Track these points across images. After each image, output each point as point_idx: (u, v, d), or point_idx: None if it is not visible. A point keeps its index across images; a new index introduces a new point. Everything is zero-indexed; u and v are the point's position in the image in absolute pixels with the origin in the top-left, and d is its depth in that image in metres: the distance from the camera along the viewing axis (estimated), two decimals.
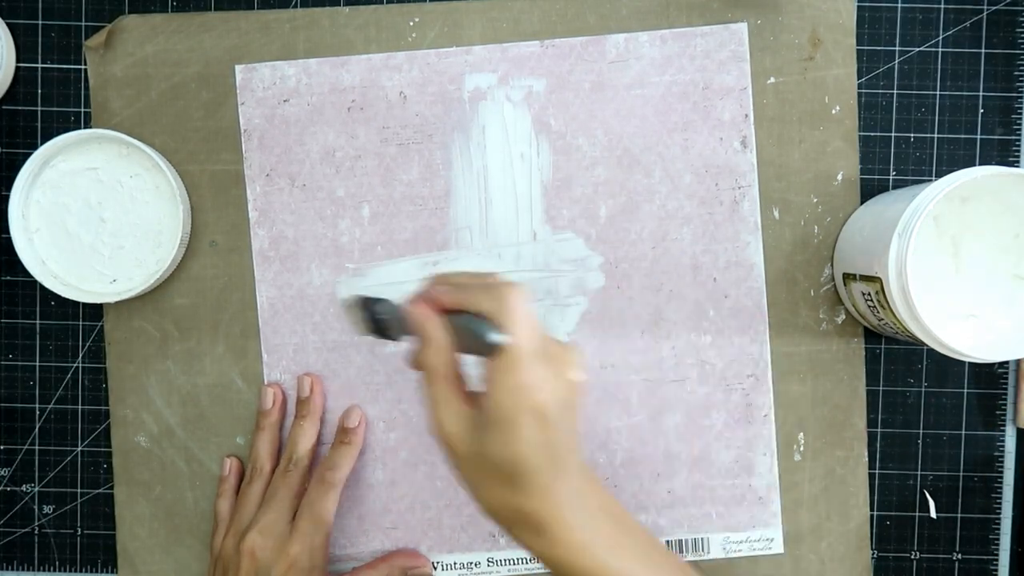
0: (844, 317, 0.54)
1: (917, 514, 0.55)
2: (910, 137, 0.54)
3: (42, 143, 0.52)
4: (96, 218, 0.53)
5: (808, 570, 0.54)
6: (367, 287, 0.53)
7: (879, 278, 0.46)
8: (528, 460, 0.38)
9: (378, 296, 0.45)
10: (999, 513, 0.55)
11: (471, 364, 0.41)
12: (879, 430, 0.55)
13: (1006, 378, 0.55)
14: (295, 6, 0.54)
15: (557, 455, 0.39)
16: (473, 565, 0.55)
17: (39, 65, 0.54)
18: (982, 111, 0.54)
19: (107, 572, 0.55)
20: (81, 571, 0.55)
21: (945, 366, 0.55)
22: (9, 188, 0.52)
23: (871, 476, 0.55)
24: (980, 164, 0.54)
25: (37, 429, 0.55)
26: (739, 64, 0.54)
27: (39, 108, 0.54)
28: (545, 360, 0.39)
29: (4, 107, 0.54)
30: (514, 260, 0.54)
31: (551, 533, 0.39)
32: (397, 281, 0.54)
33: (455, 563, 0.55)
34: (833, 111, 0.54)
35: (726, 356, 0.54)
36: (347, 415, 0.53)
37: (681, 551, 0.55)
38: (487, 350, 0.39)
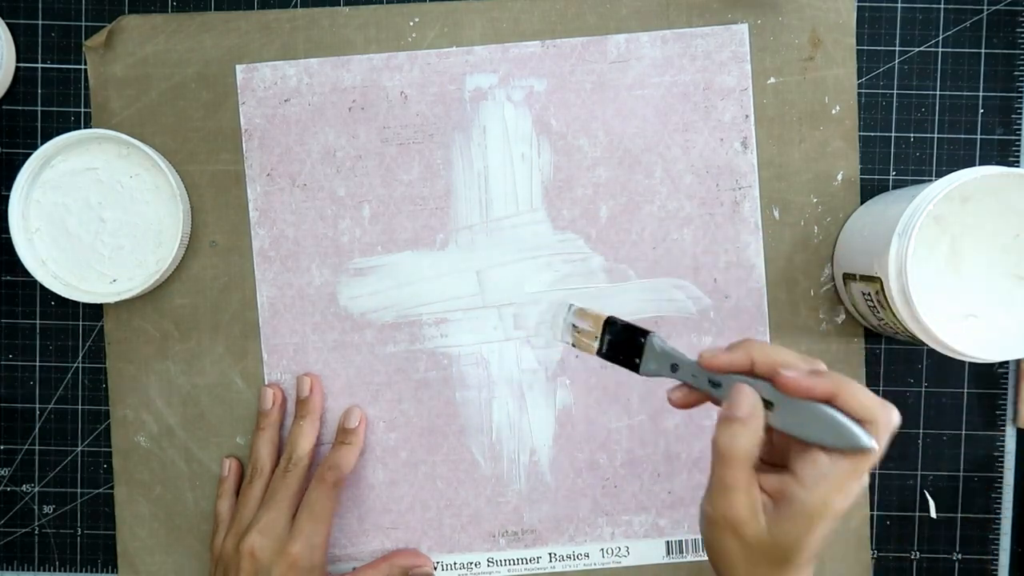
0: (844, 317, 0.54)
1: (917, 514, 0.55)
2: (910, 137, 0.54)
3: (42, 143, 0.52)
4: (96, 218, 0.53)
5: None
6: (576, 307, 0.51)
7: (879, 278, 0.46)
8: (812, 551, 0.40)
9: (637, 326, 0.46)
10: (999, 513, 0.55)
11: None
12: None
13: (1006, 378, 0.55)
14: (295, 6, 0.54)
15: (821, 549, 0.40)
16: (473, 565, 0.55)
17: (39, 65, 0.54)
18: (982, 111, 0.54)
19: (107, 572, 0.55)
20: (81, 571, 0.55)
21: (945, 366, 0.55)
22: (9, 188, 0.52)
23: (871, 476, 0.55)
24: (980, 164, 0.54)
25: (37, 429, 0.55)
26: (740, 65, 0.54)
27: (39, 108, 0.54)
28: None
29: (4, 107, 0.54)
30: (514, 263, 0.54)
31: None
32: (400, 283, 0.54)
33: (455, 563, 0.55)
34: (833, 111, 0.54)
35: None
36: (347, 415, 0.53)
37: (681, 551, 0.55)
38: (835, 446, 0.39)
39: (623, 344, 0.46)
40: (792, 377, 0.40)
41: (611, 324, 0.46)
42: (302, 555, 0.49)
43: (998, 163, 0.54)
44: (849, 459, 0.39)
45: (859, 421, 0.39)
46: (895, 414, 0.40)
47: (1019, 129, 0.54)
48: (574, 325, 0.47)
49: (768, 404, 0.41)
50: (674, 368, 0.44)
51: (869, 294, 0.48)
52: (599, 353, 0.46)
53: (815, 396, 0.39)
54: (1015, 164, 0.54)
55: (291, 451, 0.52)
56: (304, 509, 0.50)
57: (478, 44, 0.54)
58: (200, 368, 0.54)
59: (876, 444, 0.39)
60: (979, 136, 0.54)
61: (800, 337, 0.54)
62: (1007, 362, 0.55)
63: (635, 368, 0.45)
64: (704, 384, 0.43)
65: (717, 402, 0.43)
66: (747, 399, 0.40)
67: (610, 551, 0.55)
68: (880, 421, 0.39)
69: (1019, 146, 0.54)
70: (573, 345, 0.47)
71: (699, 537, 0.54)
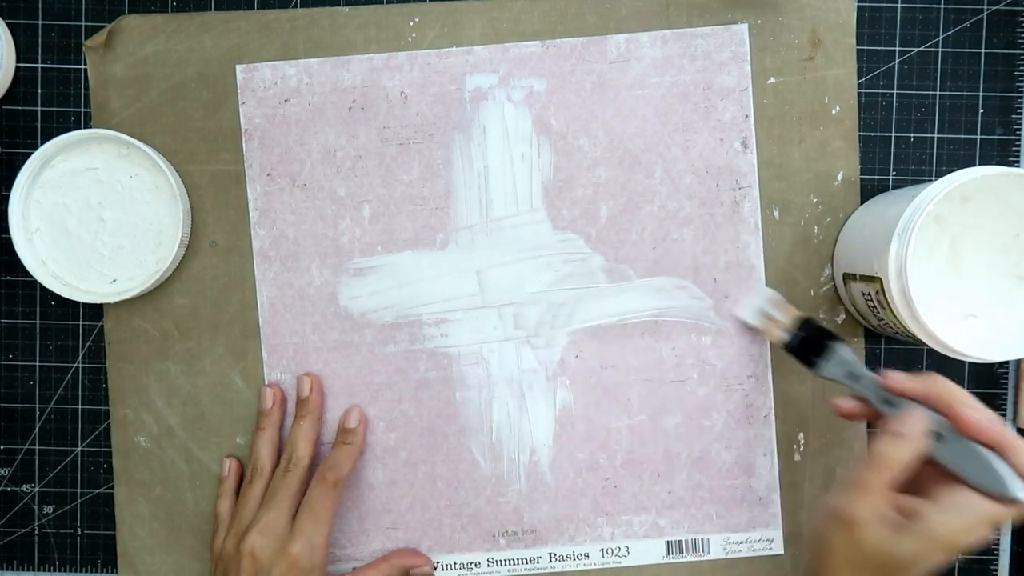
0: (844, 317, 0.54)
1: None
2: (910, 137, 0.54)
3: (42, 143, 0.52)
4: (96, 218, 0.53)
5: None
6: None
7: (879, 278, 0.46)
8: (919, 572, 0.41)
9: (829, 330, 0.50)
10: None
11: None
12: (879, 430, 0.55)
13: (1006, 378, 0.55)
14: (295, 6, 0.54)
15: None
16: (473, 565, 0.55)
17: (39, 65, 0.54)
18: (982, 111, 0.54)
19: (107, 572, 0.55)
20: (81, 571, 0.55)
21: (945, 366, 0.55)
22: (9, 188, 0.52)
23: None
24: (980, 164, 0.54)
25: (37, 429, 0.55)
26: (740, 65, 0.54)
27: (39, 108, 0.54)
28: None
29: (4, 107, 0.54)
30: (514, 263, 0.54)
31: None
32: (403, 282, 0.54)
33: (455, 563, 0.55)
34: (833, 111, 0.54)
35: (726, 357, 0.54)
36: (347, 416, 0.53)
37: (681, 552, 0.55)
38: (988, 489, 0.41)
39: (811, 343, 0.50)
40: (971, 416, 0.42)
41: (806, 322, 0.51)
42: (302, 555, 0.49)
43: (998, 163, 0.54)
44: (994, 503, 0.41)
45: (1021, 476, 0.41)
46: None
47: (1019, 129, 0.54)
48: (767, 312, 0.51)
49: (937, 436, 0.43)
50: (851, 377, 0.48)
51: (869, 294, 0.48)
52: (786, 345, 0.50)
53: (985, 439, 0.42)
54: (1015, 164, 0.54)
55: (291, 451, 0.52)
56: (304, 509, 0.50)
57: (478, 44, 0.54)
58: (200, 368, 0.54)
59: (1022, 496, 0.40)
60: (979, 136, 0.54)
61: None
62: (1007, 362, 0.55)
63: (812, 367, 0.50)
64: (878, 401, 0.46)
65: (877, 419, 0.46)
66: (920, 421, 0.43)
67: (610, 551, 0.55)
68: None
69: (1019, 146, 0.54)
70: (760, 329, 0.51)
71: (699, 537, 0.54)
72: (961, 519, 0.41)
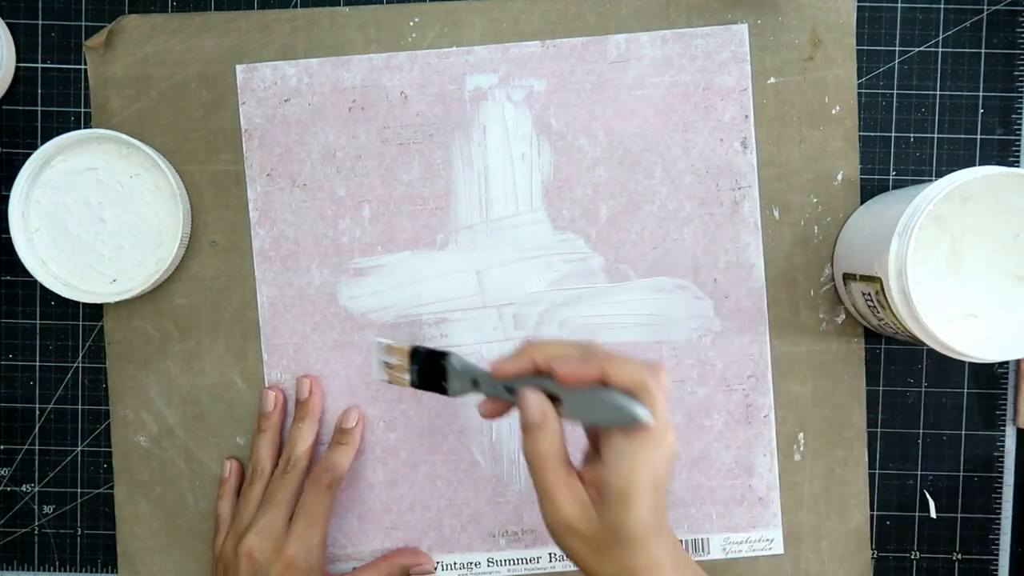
0: (844, 317, 0.54)
1: (917, 514, 0.55)
2: (910, 137, 0.54)
3: (42, 143, 0.52)
4: (96, 218, 0.53)
5: (808, 570, 0.54)
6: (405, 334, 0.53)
7: (879, 278, 0.46)
8: (646, 525, 0.39)
9: (438, 349, 0.46)
10: (999, 513, 0.55)
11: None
12: (879, 430, 0.55)
13: (1006, 378, 0.55)
14: (295, 6, 0.54)
15: (662, 518, 0.40)
16: (473, 565, 0.55)
17: (39, 65, 0.54)
18: (982, 111, 0.54)
19: (107, 572, 0.55)
20: (81, 571, 0.55)
21: (945, 366, 0.55)
22: (9, 188, 0.52)
23: (871, 476, 0.55)
24: (980, 164, 0.54)
25: (37, 429, 0.55)
26: (739, 65, 0.54)
27: (39, 108, 0.54)
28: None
29: (4, 107, 0.54)
30: (514, 263, 0.54)
31: None
32: (401, 282, 0.54)
33: (455, 563, 0.55)
34: (833, 111, 0.54)
35: (726, 357, 0.54)
36: (345, 416, 0.53)
37: None
38: (619, 424, 0.40)
39: (431, 371, 0.46)
40: (563, 368, 0.40)
41: (416, 353, 0.47)
42: (299, 557, 0.49)
43: (998, 163, 0.54)
44: (636, 433, 0.39)
45: (632, 392, 0.39)
46: (662, 374, 0.40)
47: (1019, 129, 0.54)
48: (386, 362, 0.48)
49: (557, 400, 0.41)
50: (475, 384, 0.45)
51: (869, 294, 0.48)
52: (413, 385, 0.47)
53: (588, 381, 0.40)
54: (1015, 164, 0.54)
55: (289, 453, 0.52)
56: (300, 511, 0.50)
57: (478, 44, 0.54)
58: (200, 368, 0.54)
59: (648, 413, 0.39)
60: (979, 136, 0.54)
61: (800, 337, 0.54)
62: (1007, 362, 0.55)
63: (446, 392, 0.46)
64: (503, 393, 0.43)
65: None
66: (534, 403, 0.41)
67: None
68: (650, 386, 0.39)
69: (1019, 146, 0.54)
70: (389, 382, 0.48)
71: (699, 537, 0.54)
72: (626, 464, 0.39)
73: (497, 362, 0.43)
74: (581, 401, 0.41)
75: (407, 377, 0.47)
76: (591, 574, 0.41)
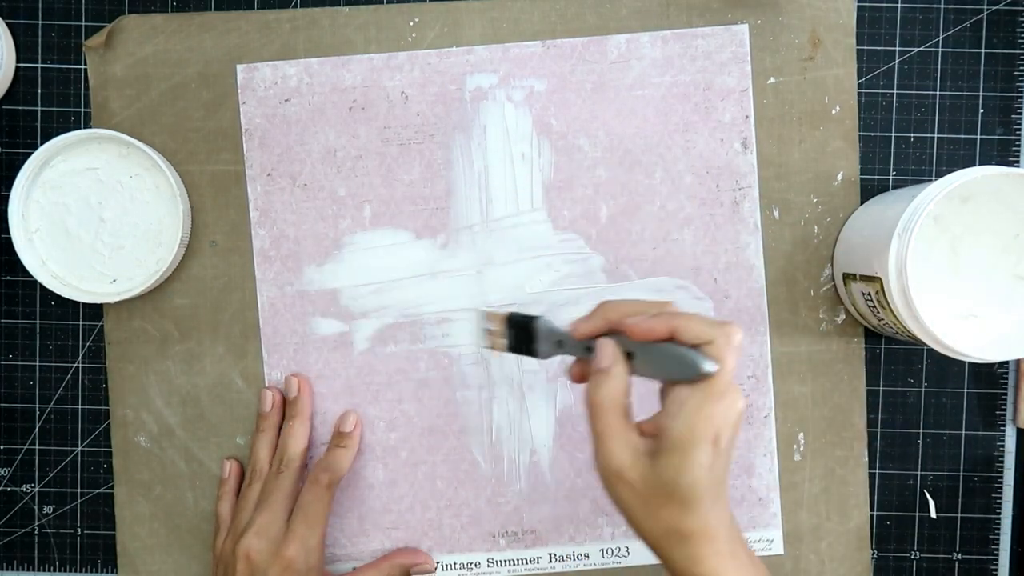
0: (844, 317, 0.54)
1: (917, 514, 0.55)
2: (910, 137, 0.54)
3: (42, 143, 0.52)
4: (96, 218, 0.53)
5: (808, 570, 0.54)
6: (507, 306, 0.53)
7: (879, 278, 0.46)
8: (702, 484, 0.39)
9: (530, 314, 0.47)
10: (999, 513, 0.55)
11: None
12: (879, 430, 0.55)
13: (1006, 378, 0.55)
14: (295, 6, 0.54)
15: (721, 480, 0.40)
16: (473, 565, 0.55)
17: (39, 65, 0.54)
18: (982, 111, 0.54)
19: (107, 572, 0.55)
20: (81, 571, 0.55)
21: (945, 366, 0.55)
22: (9, 188, 0.52)
23: (871, 476, 0.55)
24: (980, 164, 0.54)
25: (37, 429, 0.55)
26: (740, 65, 0.54)
27: (39, 108, 0.54)
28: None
29: (4, 107, 0.54)
30: (514, 263, 0.54)
31: (700, 550, 0.40)
32: (401, 276, 0.54)
33: (455, 563, 0.55)
34: (833, 111, 0.54)
35: None
36: (343, 419, 0.53)
37: None
38: (685, 377, 0.40)
39: (524, 335, 0.47)
40: (634, 323, 0.41)
41: (510, 318, 0.47)
42: (297, 557, 0.49)
43: (998, 163, 0.54)
44: (700, 385, 0.40)
45: (700, 347, 0.40)
46: (734, 330, 0.40)
47: (1019, 129, 0.54)
48: (487, 330, 0.48)
49: (631, 355, 0.42)
50: (560, 345, 0.45)
51: (869, 294, 0.48)
52: (510, 349, 0.47)
53: (658, 336, 0.41)
54: (1015, 164, 0.54)
55: (282, 452, 0.52)
56: (298, 512, 0.50)
57: (478, 44, 0.54)
58: (200, 368, 0.54)
59: (714, 365, 0.39)
60: (979, 136, 0.54)
61: (800, 337, 0.54)
62: (1007, 362, 0.55)
63: (537, 355, 0.46)
64: (584, 354, 0.44)
65: None
66: (607, 352, 0.42)
67: (610, 551, 0.55)
68: (718, 341, 0.40)
69: (1019, 146, 0.54)
70: (491, 348, 0.48)
71: None
72: (686, 414, 0.39)
73: (576, 322, 0.44)
74: (651, 356, 0.41)
75: (504, 342, 0.48)
76: (639, 532, 0.41)
